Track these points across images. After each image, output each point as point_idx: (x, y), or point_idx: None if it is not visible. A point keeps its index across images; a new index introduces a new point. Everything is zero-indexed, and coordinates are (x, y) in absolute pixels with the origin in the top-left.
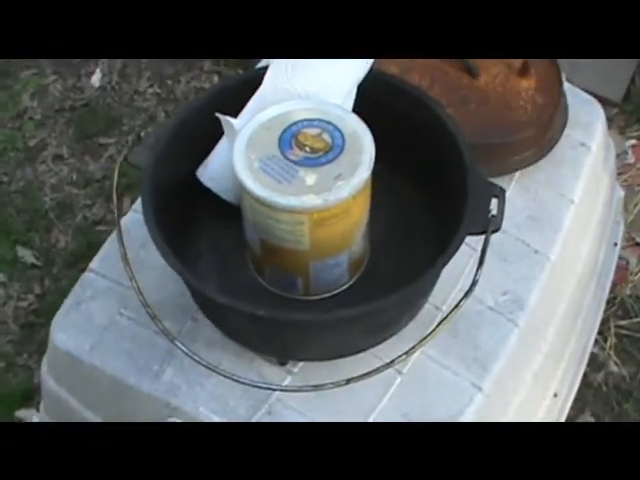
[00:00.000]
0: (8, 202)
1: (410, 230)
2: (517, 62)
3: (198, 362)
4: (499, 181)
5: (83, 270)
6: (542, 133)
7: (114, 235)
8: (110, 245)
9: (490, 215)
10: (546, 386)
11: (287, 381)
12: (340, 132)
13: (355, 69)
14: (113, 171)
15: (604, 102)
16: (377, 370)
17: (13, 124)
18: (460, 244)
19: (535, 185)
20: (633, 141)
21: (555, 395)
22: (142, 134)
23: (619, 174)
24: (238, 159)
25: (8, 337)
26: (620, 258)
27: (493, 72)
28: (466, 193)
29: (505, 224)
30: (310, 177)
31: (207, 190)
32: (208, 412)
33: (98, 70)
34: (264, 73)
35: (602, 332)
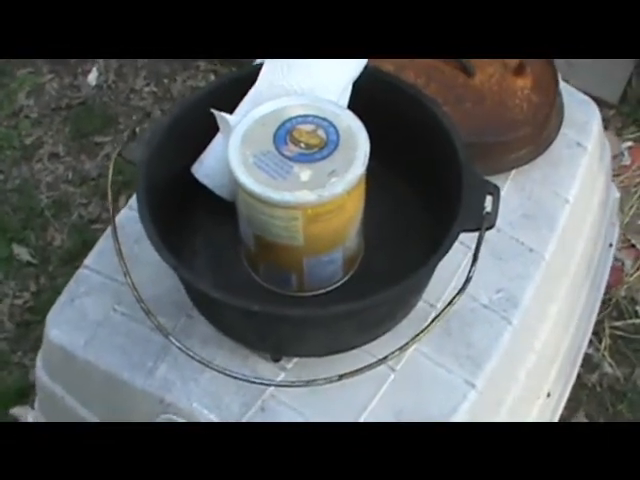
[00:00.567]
0: (4, 200)
1: (404, 227)
2: (513, 61)
3: (192, 357)
4: (495, 180)
5: (78, 268)
6: (538, 132)
7: (109, 232)
8: (105, 241)
9: (484, 212)
10: (540, 385)
11: (281, 377)
12: (335, 128)
13: (351, 66)
14: (109, 168)
15: (601, 103)
16: (370, 366)
17: (9, 122)
18: (454, 241)
19: (530, 184)
20: (629, 143)
21: (549, 395)
22: (137, 130)
23: (615, 176)
24: (233, 155)
25: (3, 335)
26: (615, 259)
27: (489, 71)
28: (460, 190)
29: (500, 223)
30: (304, 173)
31: (202, 186)
32: (202, 408)
33: (94, 69)
34: (259, 70)
35: (597, 333)
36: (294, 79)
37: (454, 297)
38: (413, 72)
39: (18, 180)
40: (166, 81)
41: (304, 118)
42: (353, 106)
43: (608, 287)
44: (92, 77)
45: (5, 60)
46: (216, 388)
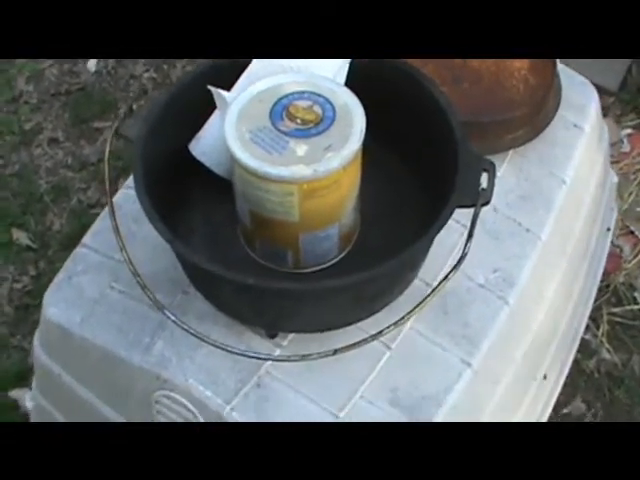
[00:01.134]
0: (4, 185)
1: (400, 205)
2: None
3: (187, 331)
4: (492, 160)
5: None
6: (535, 112)
7: (106, 212)
8: (102, 221)
9: (480, 188)
10: (536, 367)
11: (276, 353)
12: (331, 104)
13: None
14: (109, 154)
15: (601, 91)
16: (365, 341)
17: (9, 108)
18: (450, 215)
19: (527, 165)
20: (629, 130)
21: (545, 377)
22: (134, 107)
23: (614, 162)
24: (229, 130)
25: (2, 318)
26: (614, 246)
27: None
28: (456, 166)
29: (497, 203)
30: (300, 148)
31: (199, 164)
32: (198, 384)
33: None
34: None
35: (595, 319)
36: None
37: (449, 272)
38: None
39: (17, 165)
40: (165, 67)
41: (300, 94)
42: (350, 84)
43: (606, 273)
44: (92, 63)
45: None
46: (212, 364)
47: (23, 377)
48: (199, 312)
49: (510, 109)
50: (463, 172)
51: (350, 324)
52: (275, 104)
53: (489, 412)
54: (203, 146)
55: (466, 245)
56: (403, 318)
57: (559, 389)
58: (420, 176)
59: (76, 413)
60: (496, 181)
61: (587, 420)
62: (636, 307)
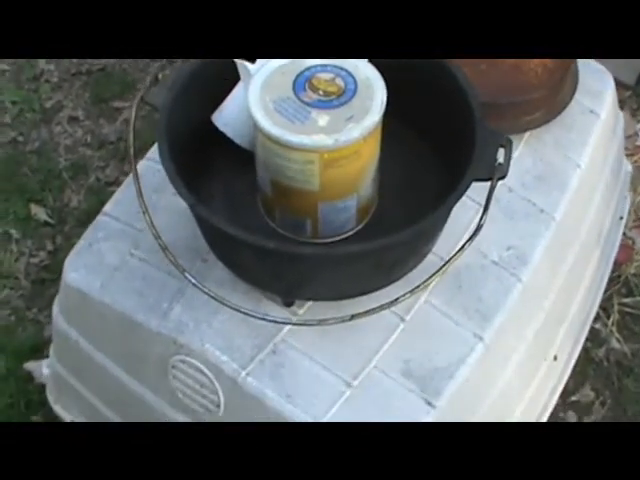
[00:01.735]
0: (23, 161)
1: (418, 180)
2: None
3: (207, 294)
4: None
5: None
6: (552, 95)
7: (127, 181)
8: (124, 191)
9: (497, 163)
10: (546, 347)
11: (293, 320)
12: (353, 78)
13: None
14: (127, 133)
15: (617, 85)
16: (382, 307)
17: (30, 86)
18: (467, 187)
19: (543, 147)
20: None
21: (555, 358)
22: (160, 76)
23: (629, 155)
24: (253, 100)
25: (19, 292)
26: (626, 237)
27: None
28: (474, 141)
29: (512, 183)
30: (322, 118)
31: (222, 135)
32: (214, 349)
33: None
34: None
35: (605, 309)
36: None
37: (465, 243)
38: None
39: (37, 142)
40: None
41: (323, 67)
42: (372, 62)
43: (618, 264)
44: None
45: None
46: (228, 330)
47: (38, 349)
48: (218, 279)
49: (528, 91)
50: (480, 146)
51: (367, 293)
52: (298, 76)
53: (499, 388)
54: (226, 117)
55: (482, 217)
56: (419, 286)
57: (568, 373)
58: (438, 152)
59: (92, 379)
60: (512, 162)
61: (595, 407)
62: None
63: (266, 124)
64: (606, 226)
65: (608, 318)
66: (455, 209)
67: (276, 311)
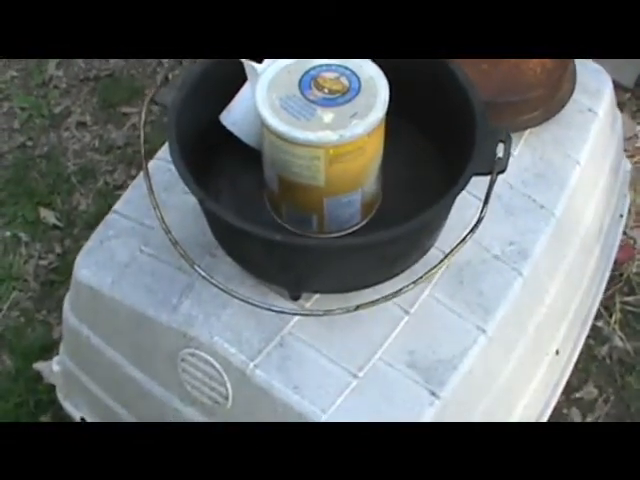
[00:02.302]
0: (32, 166)
1: (421, 177)
2: None
3: (216, 286)
4: None
5: None
6: (551, 94)
7: (137, 180)
8: (133, 190)
9: (496, 157)
10: (548, 341)
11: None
12: (357, 77)
13: None
14: (135, 138)
15: (616, 87)
16: (385, 298)
17: (38, 92)
18: (467, 181)
19: (542, 145)
20: None
21: (557, 352)
22: (170, 76)
23: (630, 157)
24: (260, 97)
25: (29, 294)
26: (628, 237)
27: None
28: (474, 136)
29: (512, 180)
30: (327, 115)
31: (229, 134)
32: (223, 342)
33: None
34: None
35: (608, 307)
36: None
37: (466, 235)
38: None
39: (46, 147)
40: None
41: (328, 67)
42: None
43: (620, 263)
44: None
45: None
46: (237, 323)
47: (47, 350)
48: (226, 274)
49: (527, 90)
50: (480, 142)
51: (371, 285)
52: (304, 75)
53: (502, 380)
54: (234, 117)
55: (482, 210)
56: (422, 277)
57: (571, 368)
58: (441, 149)
59: (102, 375)
60: (512, 160)
61: (599, 404)
62: None
63: (273, 121)
64: (606, 223)
65: (610, 316)
66: (457, 205)
67: (283, 304)
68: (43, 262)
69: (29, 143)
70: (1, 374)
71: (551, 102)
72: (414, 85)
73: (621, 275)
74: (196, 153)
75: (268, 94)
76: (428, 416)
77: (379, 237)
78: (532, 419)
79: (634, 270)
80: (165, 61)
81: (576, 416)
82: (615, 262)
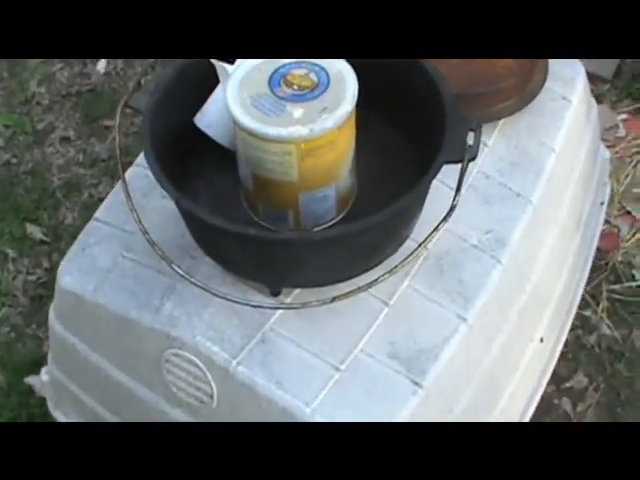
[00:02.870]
0: (18, 182)
1: (395, 170)
2: None
3: (195, 284)
4: (482, 130)
5: None
6: (523, 83)
7: (117, 188)
8: (113, 197)
9: (467, 145)
10: (532, 328)
11: (279, 311)
12: (326, 72)
13: None
14: (114, 139)
15: (595, 79)
16: (360, 289)
17: (21, 109)
18: (438, 169)
19: (517, 134)
20: (624, 115)
21: (542, 340)
22: (142, 81)
23: (611, 147)
24: (231, 96)
25: (18, 309)
26: (612, 226)
27: None
28: (444, 126)
29: (488, 170)
30: (297, 111)
31: (204, 136)
32: (205, 341)
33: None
34: None
35: (594, 296)
36: None
37: (439, 223)
38: None
39: (31, 163)
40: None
41: (298, 64)
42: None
43: (605, 252)
44: (101, 65)
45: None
46: (219, 321)
47: (38, 364)
48: (206, 275)
49: (498, 81)
50: (450, 130)
51: (348, 278)
52: (274, 73)
53: (486, 369)
54: (208, 119)
55: (454, 197)
56: (397, 266)
57: (557, 356)
58: (413, 142)
59: (89, 382)
60: (487, 150)
61: (589, 393)
62: (634, 284)
63: (244, 119)
64: (586, 211)
65: (597, 305)
66: (431, 196)
67: (262, 300)
68: (31, 277)
69: (14, 160)
70: None
71: (524, 91)
72: (383, 79)
73: (607, 264)
74: (172, 157)
75: (239, 93)
76: (411, 406)
77: (353, 228)
78: (520, 407)
79: (619, 258)
80: (138, 67)
81: (567, 405)
82: (600, 251)
